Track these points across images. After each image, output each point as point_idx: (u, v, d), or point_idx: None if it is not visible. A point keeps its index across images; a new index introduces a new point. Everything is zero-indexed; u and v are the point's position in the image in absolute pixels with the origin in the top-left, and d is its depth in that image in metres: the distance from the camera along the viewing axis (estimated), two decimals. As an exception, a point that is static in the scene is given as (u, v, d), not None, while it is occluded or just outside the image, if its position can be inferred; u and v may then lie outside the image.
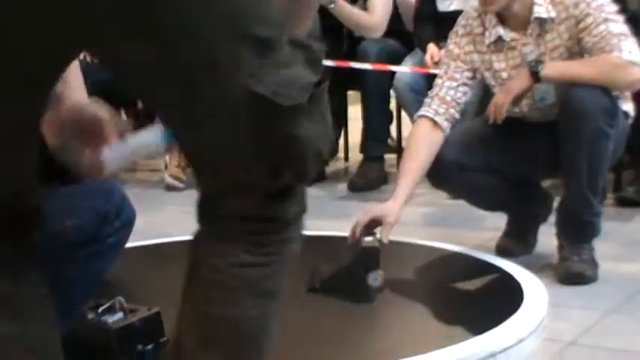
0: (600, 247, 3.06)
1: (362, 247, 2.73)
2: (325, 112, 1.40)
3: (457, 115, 3.01)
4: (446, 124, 2.97)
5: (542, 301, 2.60)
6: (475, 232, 3.52)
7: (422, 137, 2.98)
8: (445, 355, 2.20)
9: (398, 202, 2.85)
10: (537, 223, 3.27)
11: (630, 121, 3.11)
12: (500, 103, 2.94)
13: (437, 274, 3.01)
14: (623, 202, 3.96)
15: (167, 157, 4.73)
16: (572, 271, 2.92)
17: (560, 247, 3.03)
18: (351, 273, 2.70)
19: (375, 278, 2.69)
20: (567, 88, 2.89)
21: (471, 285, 2.87)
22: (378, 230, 2.78)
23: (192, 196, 1.44)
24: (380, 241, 2.75)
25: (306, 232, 1.45)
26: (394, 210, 2.82)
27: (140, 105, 5.53)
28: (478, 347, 2.25)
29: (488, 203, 3.23)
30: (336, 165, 5.14)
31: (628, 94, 3.07)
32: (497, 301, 2.67)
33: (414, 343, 2.35)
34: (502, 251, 3.24)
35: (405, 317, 2.62)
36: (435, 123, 2.96)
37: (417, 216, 3.87)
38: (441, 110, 2.98)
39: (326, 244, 3.06)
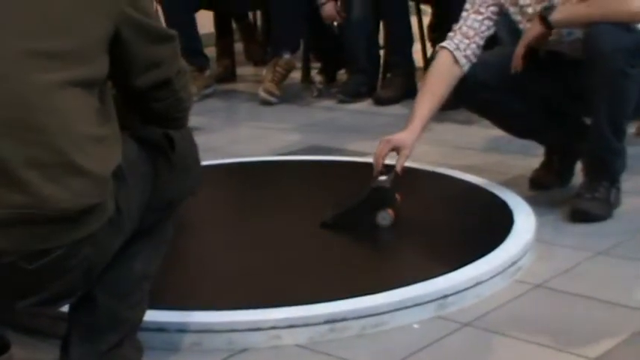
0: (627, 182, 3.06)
1: (373, 186, 2.87)
2: None
3: (477, 51, 3.06)
4: (464, 61, 3.03)
5: (522, 242, 2.66)
6: (523, 161, 3.52)
7: (441, 70, 3.07)
8: (389, 297, 2.33)
9: (414, 132, 2.98)
10: (574, 157, 3.28)
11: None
12: (517, 54, 3.00)
13: (442, 206, 3.09)
14: None
15: (264, 71, 4.92)
16: (577, 208, 2.97)
17: (580, 185, 3.07)
18: (361, 211, 2.85)
19: (383, 217, 2.84)
20: (589, 26, 2.89)
21: (466, 219, 2.94)
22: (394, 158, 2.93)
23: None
24: (394, 176, 2.89)
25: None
26: (410, 140, 2.96)
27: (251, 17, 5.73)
28: (428, 289, 2.37)
29: (518, 128, 3.26)
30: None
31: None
32: (480, 239, 2.73)
33: (371, 279, 2.49)
34: (535, 183, 3.31)
35: (385, 253, 2.80)
36: (454, 57, 3.04)
37: (477, 138, 3.94)
38: (462, 45, 3.04)
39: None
